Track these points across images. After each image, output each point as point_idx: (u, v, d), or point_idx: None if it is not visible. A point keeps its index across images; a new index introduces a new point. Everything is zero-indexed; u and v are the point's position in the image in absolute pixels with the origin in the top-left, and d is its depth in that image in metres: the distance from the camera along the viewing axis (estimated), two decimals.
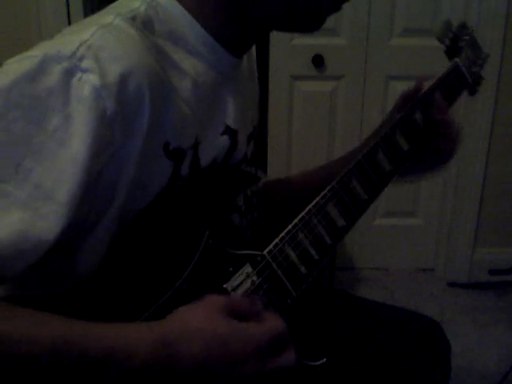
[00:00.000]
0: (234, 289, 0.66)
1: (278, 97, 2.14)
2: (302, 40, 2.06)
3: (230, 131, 0.73)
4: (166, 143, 0.62)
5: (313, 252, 0.74)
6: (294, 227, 0.72)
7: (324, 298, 1.01)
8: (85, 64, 0.55)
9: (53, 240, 0.53)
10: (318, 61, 2.07)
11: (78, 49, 0.55)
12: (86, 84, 0.54)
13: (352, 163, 0.80)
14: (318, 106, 2.16)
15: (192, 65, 0.67)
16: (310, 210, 0.74)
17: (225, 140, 0.72)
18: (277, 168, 2.22)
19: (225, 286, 0.65)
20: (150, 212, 0.62)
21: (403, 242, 2.36)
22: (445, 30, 0.92)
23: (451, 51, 0.93)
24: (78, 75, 0.55)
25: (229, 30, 0.69)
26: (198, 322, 0.57)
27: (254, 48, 0.89)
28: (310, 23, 0.70)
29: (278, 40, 2.05)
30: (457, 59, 0.93)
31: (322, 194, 0.76)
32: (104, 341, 0.52)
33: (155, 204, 0.63)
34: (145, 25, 0.62)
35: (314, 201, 0.75)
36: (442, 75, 0.90)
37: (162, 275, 0.62)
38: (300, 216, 0.73)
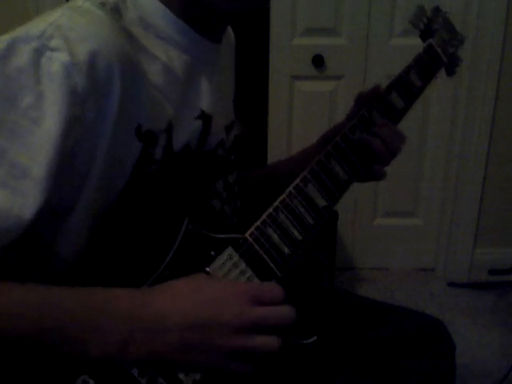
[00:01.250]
0: (218, 271, 0.66)
1: (278, 97, 2.14)
2: (302, 40, 2.06)
3: (204, 116, 0.73)
4: (138, 125, 0.63)
5: (295, 232, 0.75)
6: (274, 209, 0.74)
7: (325, 296, 1.01)
8: (53, 43, 0.56)
9: (31, 217, 0.54)
10: (318, 61, 2.07)
11: (46, 29, 0.56)
12: (56, 62, 0.55)
13: (330, 145, 0.81)
14: (318, 106, 2.16)
15: (163, 50, 0.67)
16: (290, 192, 0.75)
17: (199, 125, 0.73)
18: None
19: (207, 269, 0.66)
20: (127, 199, 0.63)
21: (403, 241, 2.36)
22: (419, 15, 0.94)
23: (425, 34, 0.96)
24: (48, 54, 0.55)
25: (195, 13, 0.69)
26: (181, 282, 0.59)
27: (233, 41, 0.89)
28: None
29: (278, 40, 2.05)
30: (430, 40, 0.95)
31: (302, 175, 0.77)
32: (93, 291, 0.56)
33: (132, 190, 0.63)
34: (114, 11, 0.63)
35: (294, 182, 0.76)
36: (416, 56, 0.92)
37: (144, 262, 0.63)
38: (280, 198, 0.75)
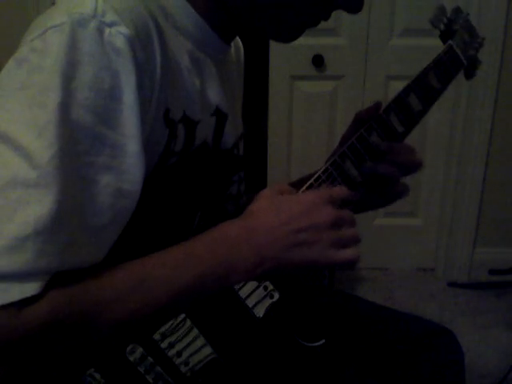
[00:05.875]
0: None
1: (278, 97, 2.14)
2: (302, 40, 2.04)
3: (219, 114, 0.73)
4: (167, 109, 0.62)
5: None
6: None
7: (331, 299, 1.01)
8: (108, 18, 0.55)
9: (140, 188, 0.57)
10: (318, 61, 2.08)
11: (96, 5, 0.55)
12: (118, 36, 0.55)
13: (346, 145, 0.79)
14: (317, 106, 2.16)
15: (180, 41, 0.66)
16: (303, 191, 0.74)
17: (213, 121, 0.72)
18: (277, 168, 2.22)
19: None
20: (143, 192, 0.62)
21: (403, 242, 2.36)
22: (439, 15, 0.92)
23: (445, 34, 0.94)
24: (107, 30, 0.55)
25: (216, 13, 0.69)
26: (262, 204, 0.66)
27: (242, 49, 0.89)
28: (285, 34, 0.69)
29: None
30: (451, 41, 0.93)
31: (316, 176, 0.75)
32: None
33: (149, 183, 0.62)
34: None
35: (308, 182, 0.75)
36: (436, 57, 0.90)
37: None
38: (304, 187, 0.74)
